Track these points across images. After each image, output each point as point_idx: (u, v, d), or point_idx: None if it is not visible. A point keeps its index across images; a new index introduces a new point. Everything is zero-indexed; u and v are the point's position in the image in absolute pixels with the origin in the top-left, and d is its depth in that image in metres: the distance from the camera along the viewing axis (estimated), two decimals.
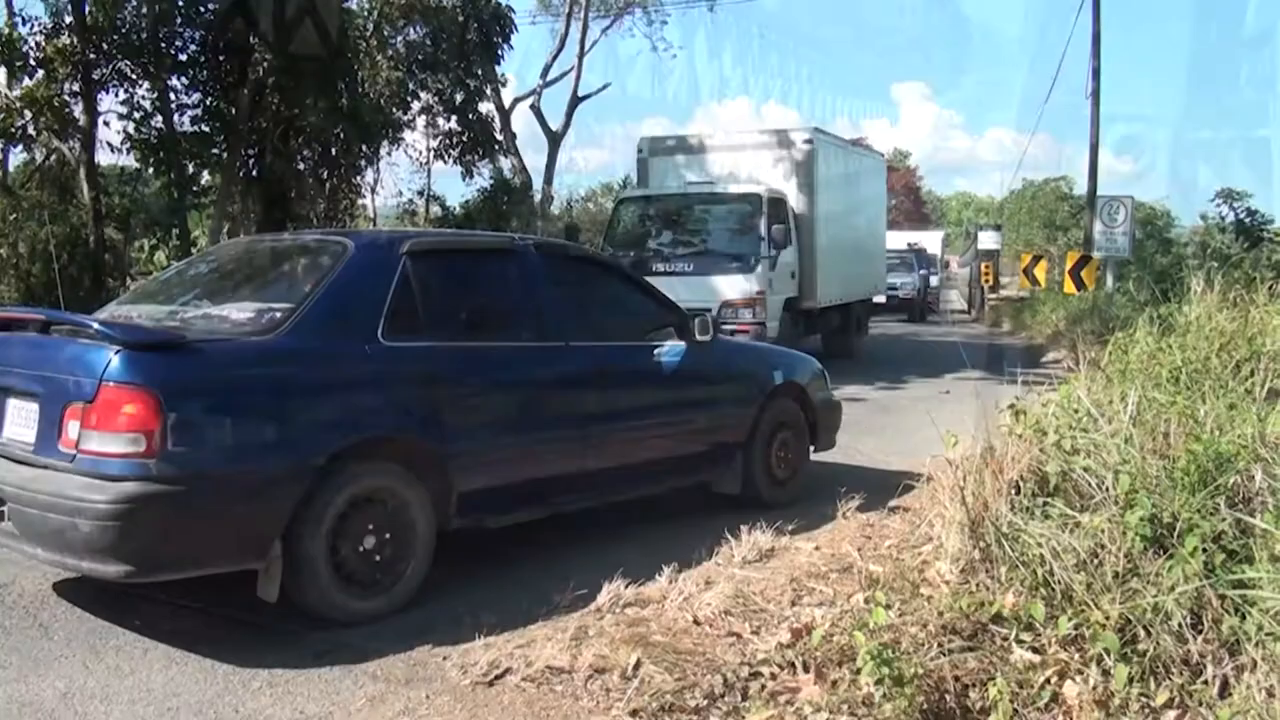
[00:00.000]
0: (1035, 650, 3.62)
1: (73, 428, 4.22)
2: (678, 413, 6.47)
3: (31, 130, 14.36)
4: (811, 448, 7.47)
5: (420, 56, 20.00)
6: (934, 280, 40.92)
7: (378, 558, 4.72)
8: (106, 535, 4.04)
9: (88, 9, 13.95)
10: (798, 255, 15.15)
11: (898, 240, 43.58)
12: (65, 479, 4.20)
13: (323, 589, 4.53)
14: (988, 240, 37.56)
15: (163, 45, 15.10)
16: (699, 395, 6.67)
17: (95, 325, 4.45)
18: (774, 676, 3.72)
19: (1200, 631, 3.39)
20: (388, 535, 4.75)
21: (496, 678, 3.88)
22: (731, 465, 6.76)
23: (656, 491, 6.45)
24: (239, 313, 4.92)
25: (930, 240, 45.77)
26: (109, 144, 14.93)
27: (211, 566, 4.40)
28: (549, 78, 31.34)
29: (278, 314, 4.74)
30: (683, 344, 6.41)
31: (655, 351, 6.34)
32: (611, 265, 6.82)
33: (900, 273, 32.36)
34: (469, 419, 5.22)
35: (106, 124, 14.75)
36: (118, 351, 4.18)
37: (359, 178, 18.59)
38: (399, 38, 20.29)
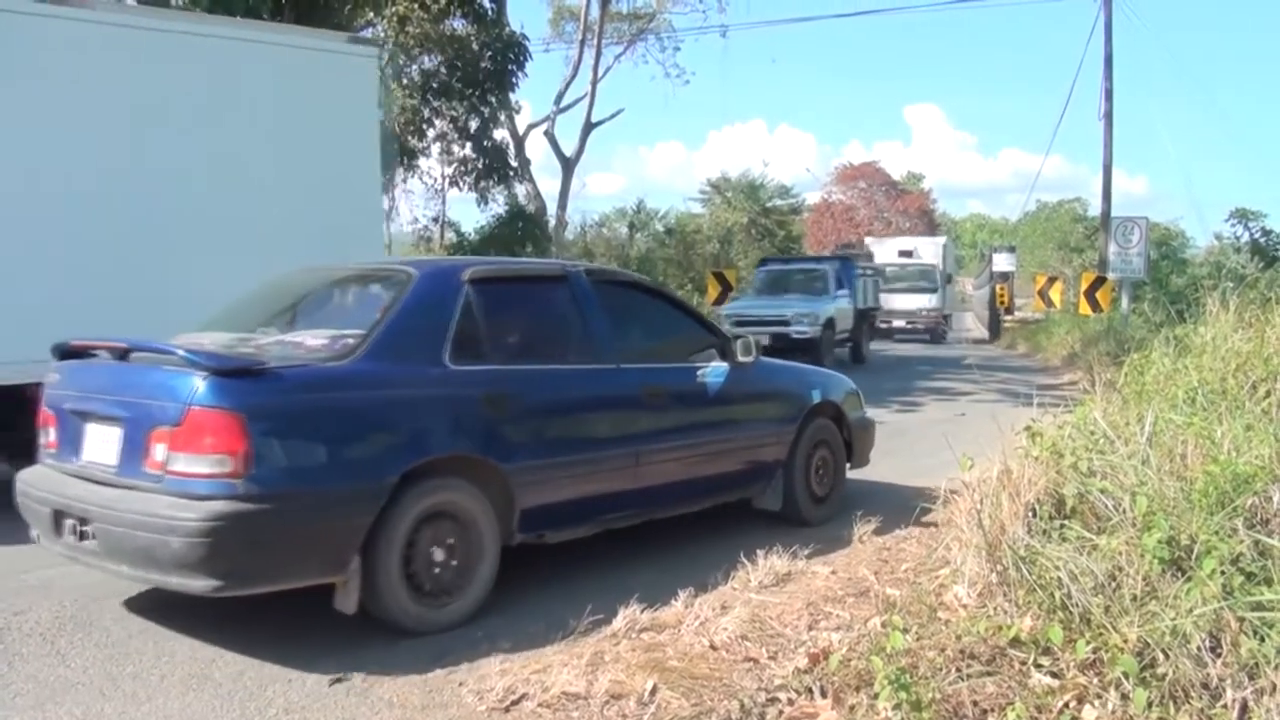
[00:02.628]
0: (1054, 674, 3.60)
1: (159, 450, 4.43)
2: (722, 431, 6.60)
3: None
4: (847, 465, 7.63)
5: (435, 84, 20.15)
6: (930, 301, 33.73)
7: (447, 570, 4.95)
8: (196, 551, 4.23)
9: None
10: None
11: (888, 250, 36.89)
12: (152, 499, 4.39)
13: (397, 600, 4.74)
14: (1002, 262, 37.38)
15: None
16: (742, 414, 6.82)
17: (181, 352, 4.61)
18: (791, 702, 3.71)
19: (1219, 655, 3.37)
20: (456, 549, 4.98)
21: (513, 704, 3.87)
22: (773, 483, 6.94)
23: (700, 508, 6.62)
24: (313, 339, 5.12)
25: (928, 249, 37.45)
26: None
27: (294, 580, 4.61)
28: (563, 104, 31.53)
29: (350, 340, 4.95)
30: (725, 365, 6.61)
31: (699, 372, 6.52)
32: (656, 289, 7.09)
33: (799, 299, 20.74)
34: (530, 438, 5.41)
35: None
36: (204, 377, 4.39)
37: None
38: (414, 66, 20.44)
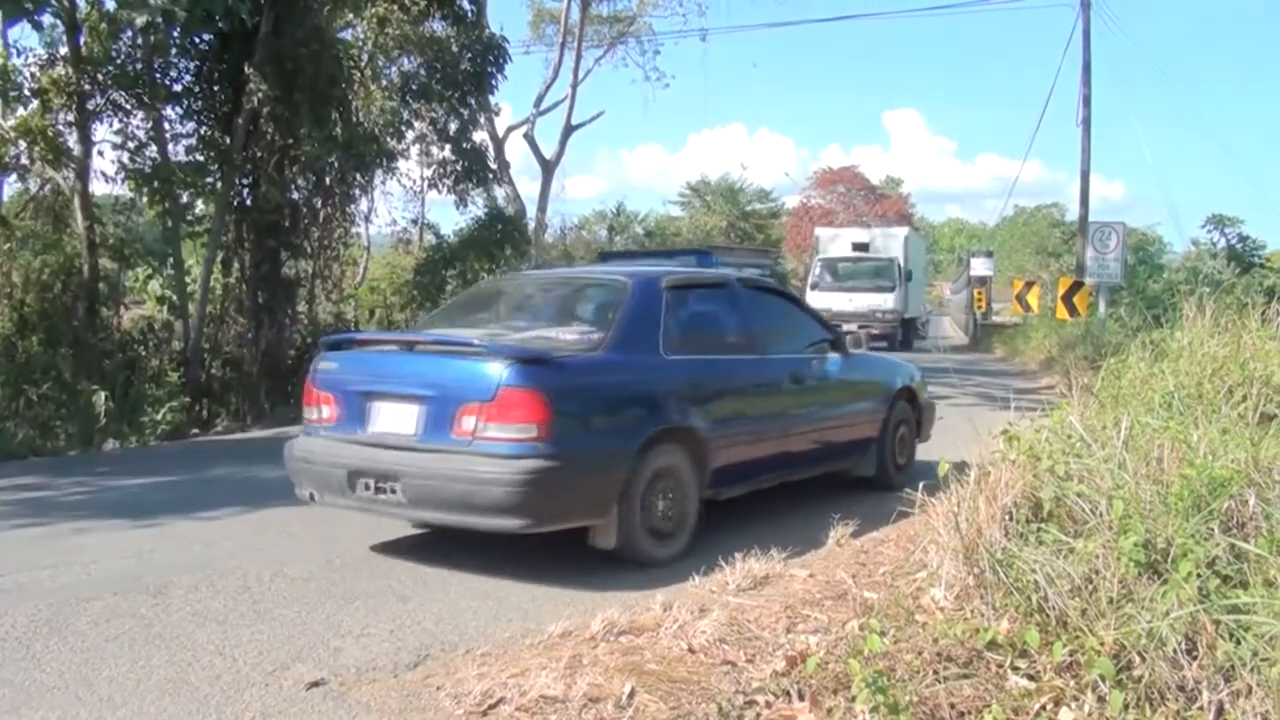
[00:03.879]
0: (1030, 677, 3.61)
1: (468, 421, 5.60)
2: (838, 410, 8.01)
3: (26, 160, 14.23)
4: (917, 439, 8.97)
5: (414, 86, 20.03)
6: (887, 301, 29.16)
7: (668, 517, 6.17)
8: (512, 498, 5.42)
9: (83, 40, 13.91)
10: None
11: (840, 242, 32.43)
12: (465, 459, 5.56)
13: (639, 538, 5.98)
14: (980, 267, 37.37)
15: (157, 76, 15.04)
16: (851, 397, 8.25)
17: (480, 344, 5.90)
18: (769, 705, 3.71)
19: (1195, 657, 3.38)
20: (673, 500, 6.20)
21: (490, 707, 3.85)
22: (869, 453, 8.35)
23: (819, 474, 7.95)
24: (564, 334, 6.43)
25: (887, 241, 32.89)
26: (103, 174, 14.81)
27: (577, 521, 5.87)
28: (542, 107, 31.52)
29: (595, 335, 6.28)
30: (838, 355, 8.12)
31: (822, 361, 7.99)
32: (785, 293, 8.84)
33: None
34: (718, 413, 6.65)
35: (101, 154, 14.65)
36: (510, 364, 5.60)
37: (353, 206, 18.54)
38: (393, 67, 20.34)
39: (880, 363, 9.37)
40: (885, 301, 29.12)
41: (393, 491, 5.73)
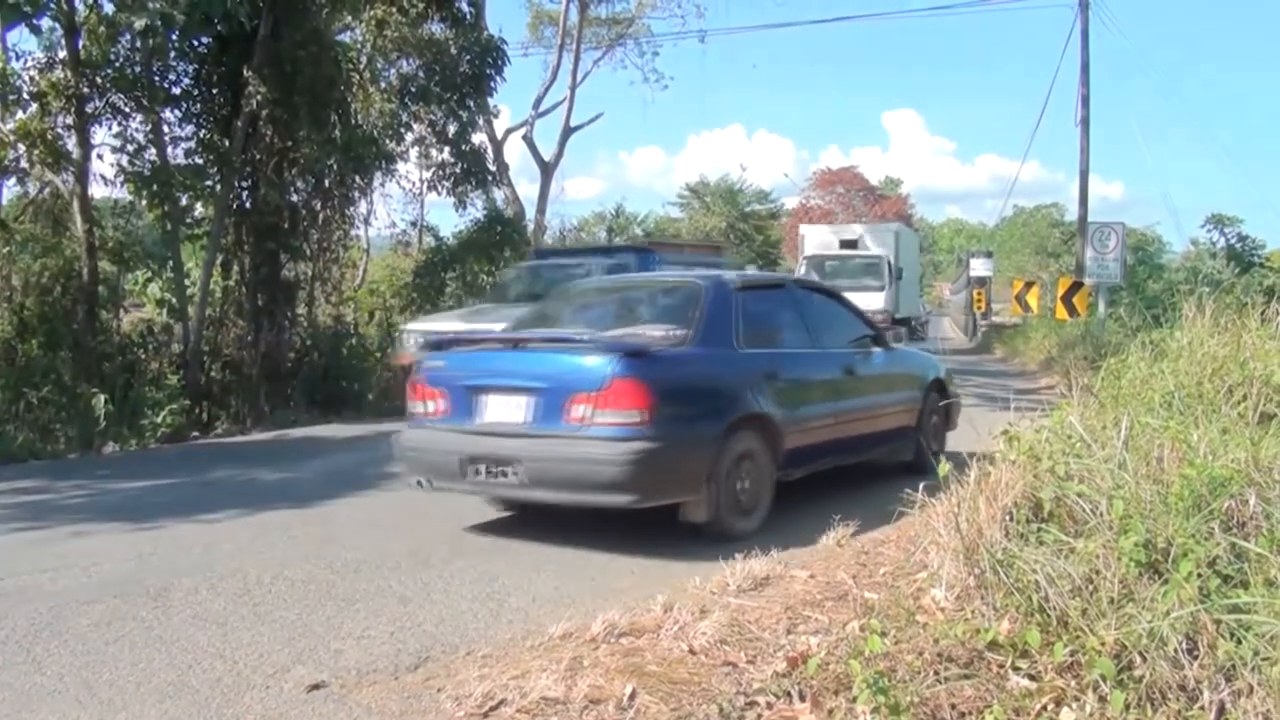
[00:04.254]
0: (1031, 677, 3.61)
1: (579, 409, 6.20)
2: (883, 399, 8.64)
3: (25, 163, 14.26)
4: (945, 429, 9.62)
5: (413, 88, 20.05)
6: (876, 301, 26.25)
7: (748, 494, 6.81)
8: (622, 476, 6.04)
9: (81, 43, 13.93)
10: None
11: (827, 239, 30.81)
12: (579, 443, 6.16)
13: (726, 513, 6.63)
14: (979, 267, 37.32)
15: (156, 79, 15.06)
16: (893, 387, 8.92)
17: (589, 339, 6.56)
18: (770, 706, 3.70)
19: (1196, 657, 3.37)
20: (752, 479, 6.84)
21: (491, 709, 3.85)
22: (908, 440, 8.98)
23: (866, 459, 8.58)
24: (651, 331, 7.02)
25: (877, 238, 30.64)
26: (102, 177, 14.84)
27: (676, 497, 6.49)
28: (541, 109, 31.50)
29: (679, 332, 6.91)
30: (881, 349, 8.79)
31: (869, 355, 8.59)
32: (833, 292, 9.36)
33: None
34: (788, 401, 7.27)
35: (100, 157, 14.67)
36: (619, 358, 6.21)
37: (352, 209, 18.54)
38: (392, 70, 20.36)
39: (916, 357, 10.18)
40: (874, 301, 26.24)
41: (510, 474, 6.33)
